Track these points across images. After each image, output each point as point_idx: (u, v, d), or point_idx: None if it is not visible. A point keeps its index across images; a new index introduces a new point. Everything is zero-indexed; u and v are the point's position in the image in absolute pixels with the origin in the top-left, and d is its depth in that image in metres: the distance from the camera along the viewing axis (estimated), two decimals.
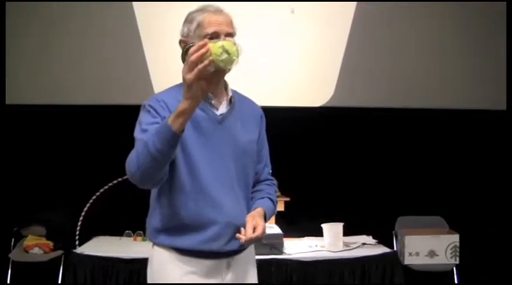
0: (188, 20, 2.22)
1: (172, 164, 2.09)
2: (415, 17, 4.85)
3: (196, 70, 1.85)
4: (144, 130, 2.05)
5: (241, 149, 2.23)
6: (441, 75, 4.92)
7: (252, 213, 2.21)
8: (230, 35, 2.17)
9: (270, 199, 2.35)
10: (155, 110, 2.11)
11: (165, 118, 1.99)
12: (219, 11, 2.20)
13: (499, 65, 4.57)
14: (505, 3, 4.41)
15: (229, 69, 1.99)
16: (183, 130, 1.94)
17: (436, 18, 4.86)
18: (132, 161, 1.99)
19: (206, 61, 1.86)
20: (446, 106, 4.86)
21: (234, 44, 1.94)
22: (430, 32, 4.88)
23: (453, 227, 4.33)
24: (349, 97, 4.81)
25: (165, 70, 4.38)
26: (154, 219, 2.21)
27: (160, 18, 4.60)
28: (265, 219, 2.25)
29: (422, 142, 4.90)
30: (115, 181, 4.17)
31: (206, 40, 1.93)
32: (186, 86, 1.88)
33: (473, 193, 4.83)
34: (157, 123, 2.04)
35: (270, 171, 2.46)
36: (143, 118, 2.12)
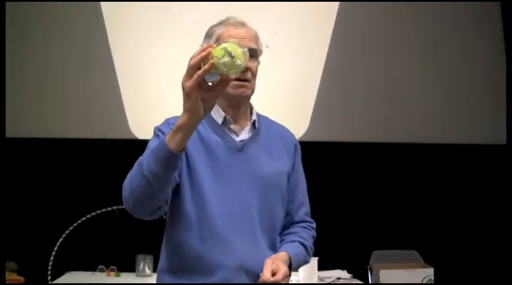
0: (208, 34, 2.02)
1: (178, 194, 1.88)
2: (395, 45, 4.82)
3: (195, 75, 1.59)
4: None
5: (266, 183, 1.97)
6: (421, 106, 4.85)
7: (273, 256, 1.94)
8: (253, 51, 1.95)
9: (302, 243, 2.08)
10: (163, 134, 1.85)
11: None
12: (241, 24, 2.00)
13: (498, 96, 4.57)
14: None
15: (252, 91, 1.84)
16: (182, 150, 1.67)
17: (423, 45, 4.80)
18: (126, 184, 1.76)
19: (206, 66, 1.60)
20: (423, 141, 4.84)
21: (240, 46, 1.66)
22: (413, 62, 4.81)
23: (428, 261, 4.34)
24: (325, 130, 4.80)
25: (140, 104, 4.39)
26: (161, 258, 1.99)
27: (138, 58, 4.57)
28: (290, 267, 1.96)
29: (398, 176, 4.91)
30: (88, 215, 4.12)
31: (210, 43, 1.70)
32: (185, 95, 1.62)
33: (448, 227, 4.85)
34: None
35: (308, 212, 2.21)
36: (151, 142, 1.89)
